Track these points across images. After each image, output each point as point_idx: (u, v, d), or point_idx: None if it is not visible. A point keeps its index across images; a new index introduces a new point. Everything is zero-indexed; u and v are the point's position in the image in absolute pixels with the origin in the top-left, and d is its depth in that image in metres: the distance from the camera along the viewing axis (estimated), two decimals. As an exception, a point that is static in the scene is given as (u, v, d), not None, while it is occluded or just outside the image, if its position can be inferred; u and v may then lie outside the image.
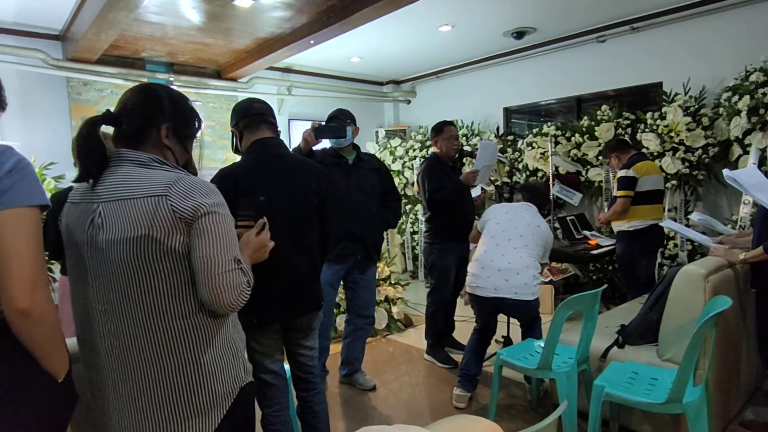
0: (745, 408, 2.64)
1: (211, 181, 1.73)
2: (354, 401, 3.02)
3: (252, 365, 1.82)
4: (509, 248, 2.76)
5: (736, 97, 3.78)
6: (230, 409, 1.22)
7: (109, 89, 4.81)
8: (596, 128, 4.72)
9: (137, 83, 1.31)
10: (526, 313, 2.79)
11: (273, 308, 1.78)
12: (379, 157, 6.42)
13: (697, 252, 4.17)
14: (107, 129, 1.25)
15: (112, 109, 1.23)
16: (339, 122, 2.76)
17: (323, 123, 2.66)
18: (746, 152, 3.79)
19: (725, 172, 2.16)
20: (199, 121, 1.35)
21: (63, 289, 2.43)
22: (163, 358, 1.13)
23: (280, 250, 1.54)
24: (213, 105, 5.48)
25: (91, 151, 1.15)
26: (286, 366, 2.01)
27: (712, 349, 2.05)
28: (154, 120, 1.22)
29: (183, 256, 1.12)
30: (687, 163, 4.12)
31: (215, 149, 5.48)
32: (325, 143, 2.82)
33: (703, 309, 2.11)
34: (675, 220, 4.22)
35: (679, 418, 2.15)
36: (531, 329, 2.86)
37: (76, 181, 1.21)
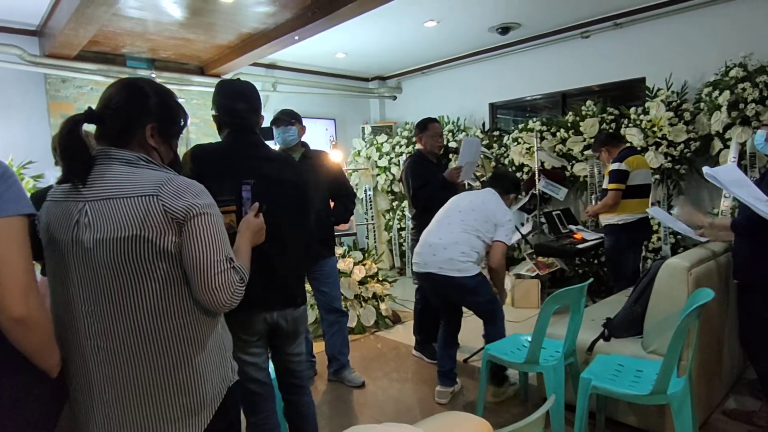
0: (728, 397, 2.69)
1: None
2: (343, 398, 3.01)
3: (238, 374, 1.80)
4: (444, 225, 2.78)
5: (716, 93, 3.84)
6: (219, 409, 1.22)
7: (89, 86, 4.71)
8: (581, 123, 4.76)
9: (114, 80, 1.27)
10: (458, 293, 2.73)
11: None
12: (365, 153, 6.48)
13: (680, 245, 4.24)
14: (89, 126, 1.21)
15: (93, 107, 1.19)
16: (283, 123, 2.87)
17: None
18: (726, 146, 3.86)
19: (705, 169, 2.19)
20: (185, 117, 1.31)
21: (45, 290, 2.38)
22: (155, 358, 1.12)
23: None
24: (197, 101, 5.41)
25: (74, 152, 1.12)
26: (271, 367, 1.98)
27: (695, 340, 2.08)
28: (139, 119, 1.18)
29: (175, 256, 1.11)
30: (669, 158, 4.18)
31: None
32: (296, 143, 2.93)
33: (686, 301, 2.14)
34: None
35: (664, 409, 2.19)
36: (486, 323, 2.78)
37: (60, 182, 1.17)
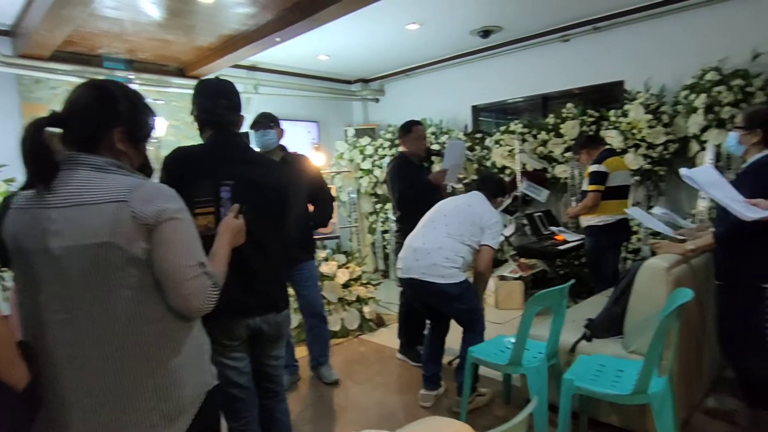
0: (708, 396, 2.72)
1: (165, 157, 1.69)
2: (326, 402, 2.98)
3: (220, 379, 1.76)
4: (429, 229, 2.73)
5: (693, 96, 3.91)
6: (198, 414, 1.20)
7: (64, 87, 4.60)
8: (562, 126, 4.81)
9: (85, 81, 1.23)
10: (440, 300, 2.67)
11: (221, 301, 1.67)
12: (348, 155, 6.45)
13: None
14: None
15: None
16: (262, 126, 2.87)
17: None
18: (703, 148, 3.93)
19: (682, 171, 2.22)
20: (155, 119, 1.28)
21: (15, 298, 2.31)
22: (130, 364, 1.10)
23: None
24: (176, 104, 5.31)
25: (38, 156, 1.08)
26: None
27: (675, 340, 2.11)
28: (107, 123, 1.15)
29: (145, 262, 1.09)
30: (649, 159, 4.24)
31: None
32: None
33: (666, 301, 2.17)
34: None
35: (645, 409, 2.20)
36: (466, 331, 2.71)
37: (23, 188, 1.13)
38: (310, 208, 3.06)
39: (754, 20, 3.92)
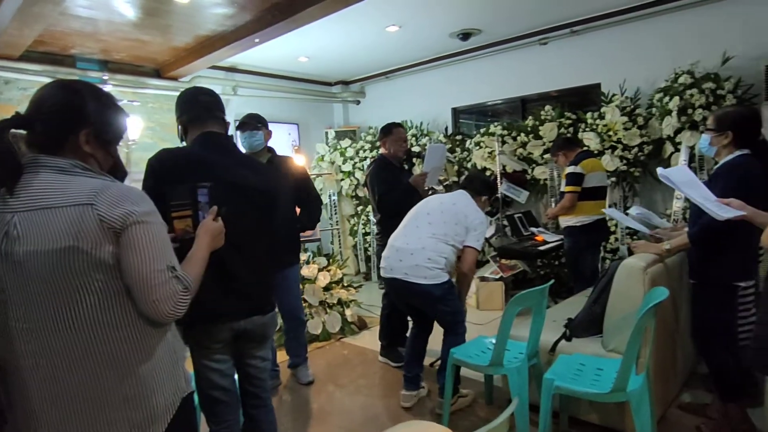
0: (682, 391, 2.78)
1: (150, 159, 1.67)
2: (309, 406, 2.95)
3: (202, 381, 1.73)
4: (412, 228, 2.71)
5: (667, 98, 4.00)
6: (172, 421, 1.16)
7: (34, 88, 4.46)
8: (540, 128, 4.87)
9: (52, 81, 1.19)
10: (422, 301, 2.66)
11: (205, 306, 1.60)
12: (328, 158, 6.43)
13: (635, 245, 4.39)
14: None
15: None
16: (250, 127, 2.86)
17: None
18: (677, 150, 4.03)
19: (659, 170, 2.26)
20: (127, 121, 1.25)
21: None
22: (98, 372, 1.06)
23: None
24: (153, 105, 5.22)
25: (1, 159, 1.04)
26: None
27: (652, 338, 2.14)
28: (72, 124, 1.11)
29: (113, 267, 1.06)
30: (625, 161, 4.32)
31: (155, 151, 5.21)
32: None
33: (642, 300, 2.20)
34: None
35: (624, 406, 2.23)
36: (447, 333, 2.68)
37: None
38: (297, 210, 3.05)
39: (723, 26, 4.03)
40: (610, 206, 4.40)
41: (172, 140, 5.11)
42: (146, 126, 5.03)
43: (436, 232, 2.63)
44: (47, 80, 4.29)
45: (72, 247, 1.01)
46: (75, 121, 1.11)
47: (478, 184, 2.90)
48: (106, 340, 1.07)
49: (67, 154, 1.10)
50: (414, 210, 2.84)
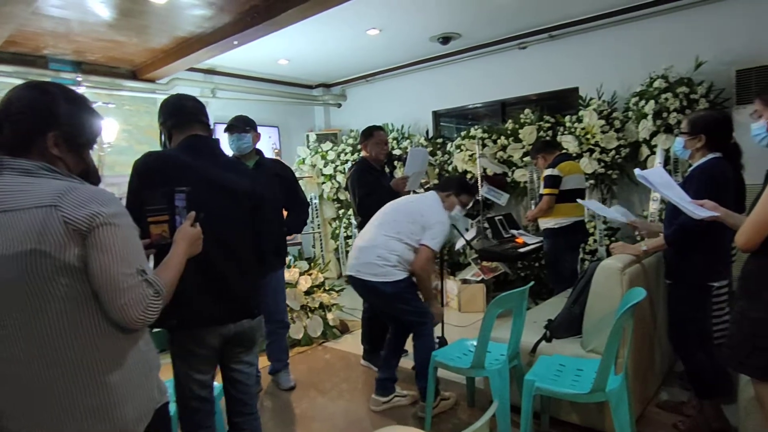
0: (660, 390, 2.83)
1: (136, 161, 1.65)
2: (291, 412, 2.92)
3: (181, 390, 1.69)
4: (371, 227, 2.74)
5: (642, 102, 4.08)
6: None
7: (5, 89, 4.34)
8: (520, 131, 4.92)
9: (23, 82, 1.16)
10: (378, 299, 2.67)
11: (192, 309, 1.63)
12: (310, 161, 6.39)
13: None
14: None
15: None
16: (238, 130, 2.86)
17: None
18: (653, 152, 4.10)
19: (636, 171, 2.30)
20: (100, 123, 1.22)
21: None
22: (65, 381, 1.02)
23: (201, 248, 1.45)
24: (129, 108, 5.11)
25: None
26: (217, 384, 1.88)
27: (630, 338, 2.17)
28: (41, 126, 1.08)
29: (79, 271, 1.03)
30: (602, 163, 4.39)
31: (131, 154, 5.10)
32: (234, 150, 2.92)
33: (620, 300, 2.23)
34: (594, 218, 4.48)
35: (604, 405, 2.26)
36: (414, 336, 2.64)
37: None
38: (284, 213, 3.03)
39: (695, 32, 4.13)
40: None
41: (150, 143, 5.01)
42: (122, 128, 4.93)
43: (389, 229, 2.64)
44: (19, 82, 4.17)
45: (35, 251, 0.98)
46: (43, 122, 1.08)
47: (445, 182, 2.90)
48: (71, 348, 1.03)
49: (33, 156, 1.07)
50: (379, 210, 2.85)
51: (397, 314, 2.72)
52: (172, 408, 1.72)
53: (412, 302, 2.64)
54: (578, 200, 3.51)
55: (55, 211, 0.99)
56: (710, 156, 2.28)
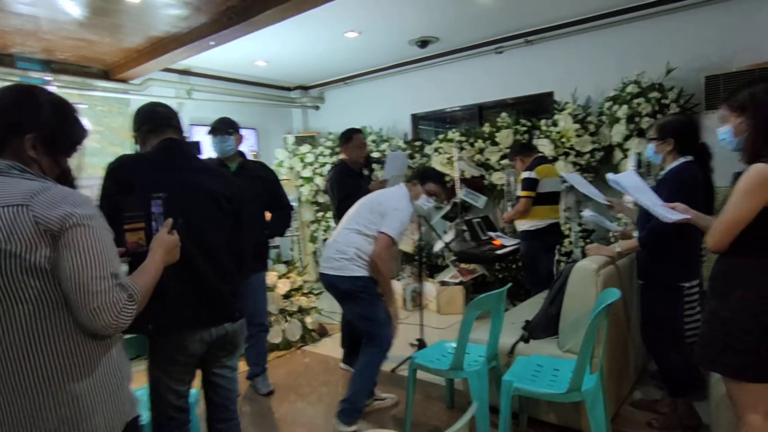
0: (634, 389, 2.89)
1: (110, 164, 1.62)
2: (270, 416, 2.88)
3: (156, 398, 1.65)
4: (339, 225, 2.76)
5: (615, 107, 4.17)
6: None
7: (-29, 89, 4.19)
8: (497, 134, 4.98)
9: (6, 82, 1.14)
10: (335, 295, 2.62)
11: (171, 313, 1.59)
12: (288, 163, 6.34)
13: (588, 248, 4.54)
14: None
15: None
16: (221, 132, 2.85)
17: None
18: (626, 156, 4.20)
19: (608, 176, 2.35)
20: (84, 131, 1.20)
21: None
22: (32, 389, 0.99)
23: (181, 252, 1.42)
24: (101, 108, 4.99)
25: None
26: (193, 390, 1.84)
27: (604, 337, 2.21)
28: (18, 127, 1.06)
29: (49, 273, 1.00)
30: (578, 167, 4.47)
31: (104, 156, 4.92)
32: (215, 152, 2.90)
33: (595, 301, 2.27)
34: (569, 219, 4.56)
35: (580, 405, 2.29)
36: (365, 343, 2.53)
37: None
38: (268, 216, 3.00)
39: (666, 39, 4.25)
40: (564, 210, 4.53)
41: (122, 145, 4.90)
42: (94, 130, 4.80)
43: (351, 223, 2.63)
44: (-15, 80, 3.97)
45: (2, 251, 0.95)
46: (21, 123, 1.07)
47: (422, 173, 2.78)
48: (39, 355, 1.00)
49: (6, 156, 1.05)
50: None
51: (349, 316, 2.65)
52: (145, 417, 1.68)
53: (365, 306, 2.50)
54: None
55: (25, 210, 0.97)
56: (681, 160, 2.34)
